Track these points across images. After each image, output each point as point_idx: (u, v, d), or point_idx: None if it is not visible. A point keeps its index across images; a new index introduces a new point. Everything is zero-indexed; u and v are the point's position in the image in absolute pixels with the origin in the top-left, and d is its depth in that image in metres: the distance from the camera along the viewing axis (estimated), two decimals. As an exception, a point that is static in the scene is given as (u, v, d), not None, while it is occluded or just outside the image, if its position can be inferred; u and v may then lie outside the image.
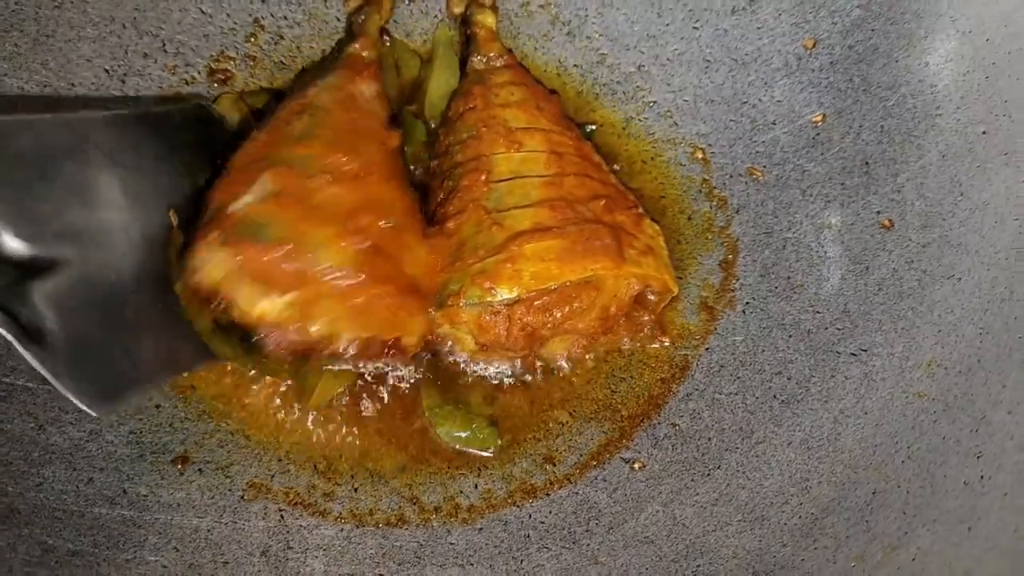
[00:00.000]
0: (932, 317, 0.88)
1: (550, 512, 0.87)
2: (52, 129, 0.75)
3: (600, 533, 0.85)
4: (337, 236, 0.77)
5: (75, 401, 0.71)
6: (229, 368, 0.87)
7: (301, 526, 0.83)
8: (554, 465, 0.89)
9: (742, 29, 0.99)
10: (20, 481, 0.78)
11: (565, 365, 0.92)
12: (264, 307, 0.78)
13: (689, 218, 0.99)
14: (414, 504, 0.86)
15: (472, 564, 0.83)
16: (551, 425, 0.91)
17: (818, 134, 0.97)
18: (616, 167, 1.00)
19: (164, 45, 0.95)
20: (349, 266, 0.77)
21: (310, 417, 0.88)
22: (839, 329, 0.91)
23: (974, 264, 0.88)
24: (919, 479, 0.82)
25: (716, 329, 0.95)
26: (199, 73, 0.97)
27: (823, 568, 0.80)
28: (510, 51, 1.00)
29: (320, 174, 0.80)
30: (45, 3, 0.89)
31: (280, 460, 0.86)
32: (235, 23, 0.98)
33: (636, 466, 0.89)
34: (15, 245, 0.69)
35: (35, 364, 0.69)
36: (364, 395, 0.89)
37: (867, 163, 0.94)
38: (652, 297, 0.91)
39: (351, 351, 0.83)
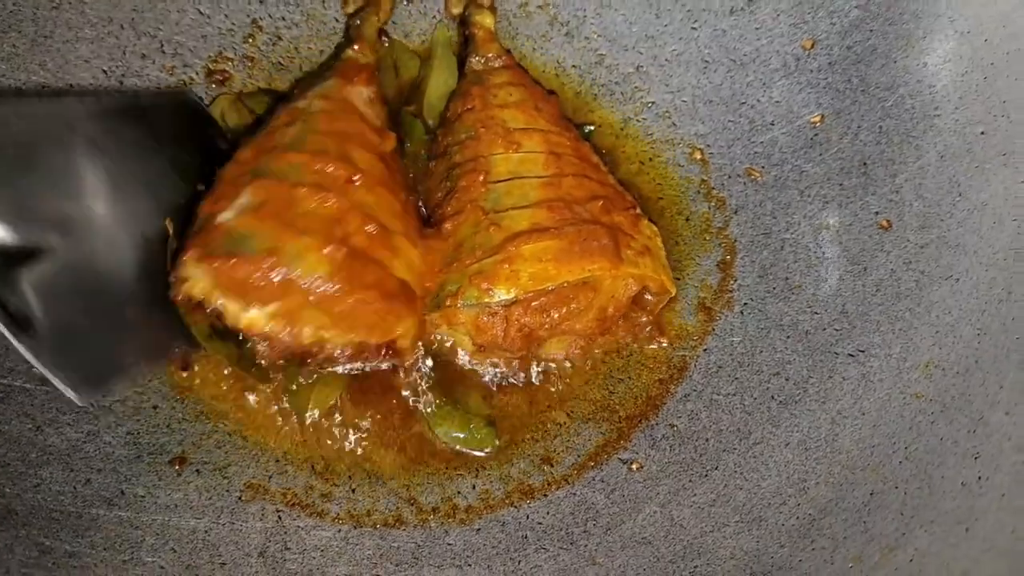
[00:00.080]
0: (930, 318, 0.88)
1: (548, 513, 0.86)
2: (38, 117, 0.75)
3: (598, 534, 0.85)
4: (318, 245, 0.77)
5: (61, 388, 0.72)
6: (226, 370, 0.87)
7: (299, 527, 0.83)
8: (552, 466, 0.89)
9: (740, 30, 0.99)
10: (17, 482, 0.78)
11: (563, 366, 0.92)
12: (251, 317, 0.79)
13: (687, 219, 0.99)
14: (412, 505, 0.86)
15: (470, 565, 0.83)
16: (549, 426, 0.91)
17: (816, 135, 0.97)
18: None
19: (162, 46, 0.95)
20: (330, 274, 0.77)
21: (308, 418, 0.88)
22: (837, 330, 0.91)
23: (972, 265, 0.87)
24: (917, 480, 0.82)
25: (714, 330, 0.94)
26: (197, 74, 0.97)
27: (820, 569, 0.80)
28: (508, 52, 1.00)
29: (305, 183, 0.80)
30: (43, 4, 0.89)
31: (278, 461, 0.86)
32: (233, 24, 0.97)
33: (634, 467, 0.89)
34: (2, 232, 0.70)
35: (22, 351, 0.69)
36: (362, 396, 0.89)
37: (865, 164, 0.94)
38: (650, 298, 0.91)
39: (345, 354, 0.83)
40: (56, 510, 0.79)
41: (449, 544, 0.84)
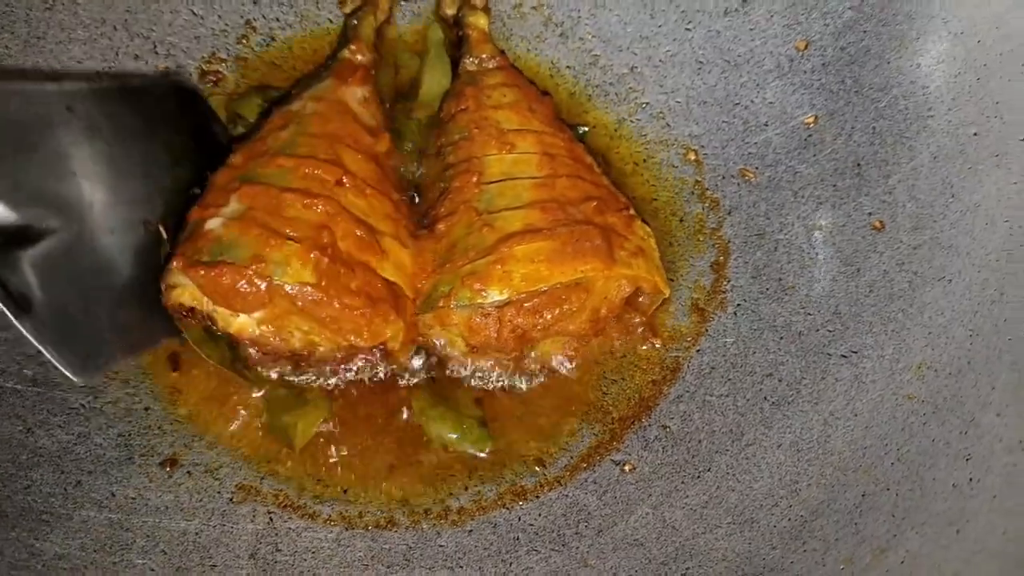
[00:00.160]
0: (922, 319, 0.88)
1: (540, 514, 0.86)
2: (37, 98, 0.76)
3: (590, 536, 0.85)
4: (304, 251, 0.77)
5: (59, 367, 0.72)
6: (217, 374, 0.87)
7: (290, 529, 0.83)
8: (544, 467, 0.89)
9: (734, 31, 0.99)
10: (7, 484, 0.78)
11: (556, 367, 0.92)
12: (240, 324, 0.80)
13: (681, 220, 0.99)
14: (403, 506, 0.86)
15: (461, 567, 0.83)
16: (541, 427, 0.90)
17: (810, 135, 0.97)
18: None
19: (155, 47, 0.95)
20: (314, 281, 0.77)
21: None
22: (830, 331, 0.91)
23: (965, 266, 0.87)
24: (908, 481, 0.82)
25: (707, 331, 0.94)
26: (190, 75, 0.97)
27: (812, 571, 0.80)
28: (503, 52, 1.00)
29: (293, 188, 0.80)
30: (36, 5, 0.89)
31: (269, 462, 0.86)
32: (226, 25, 0.98)
33: (626, 468, 0.88)
34: (2, 212, 0.70)
35: (22, 330, 0.70)
36: (354, 398, 0.89)
37: (859, 165, 0.94)
38: (643, 299, 0.91)
39: (337, 357, 0.84)
40: (46, 512, 0.78)
41: (441, 546, 0.84)
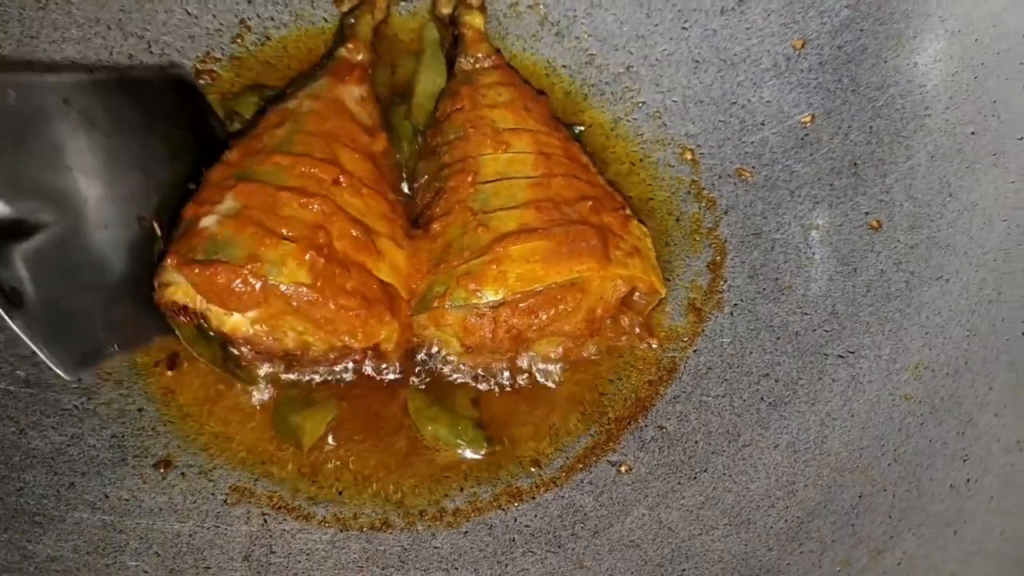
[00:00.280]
0: (920, 319, 0.88)
1: (535, 516, 0.86)
2: (33, 90, 0.75)
3: (585, 537, 0.84)
4: (300, 251, 0.76)
5: (50, 364, 0.72)
6: (211, 374, 0.87)
7: (284, 530, 0.83)
8: (540, 468, 0.88)
9: (731, 29, 0.99)
10: (0, 486, 0.78)
11: (551, 367, 0.91)
12: (234, 323, 0.79)
13: (677, 219, 0.99)
14: (399, 508, 0.86)
15: (457, 568, 0.83)
16: (537, 428, 0.90)
17: (807, 135, 0.96)
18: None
19: (150, 47, 0.95)
20: (310, 281, 0.76)
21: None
22: (827, 331, 0.91)
23: (962, 265, 0.87)
24: (905, 482, 0.81)
25: (704, 331, 0.94)
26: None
27: (809, 572, 0.80)
28: (498, 51, 0.99)
29: (289, 186, 0.80)
30: (29, 4, 0.89)
31: (264, 464, 0.86)
32: (221, 24, 0.97)
33: (622, 469, 0.88)
34: None
35: (13, 326, 0.69)
36: (350, 399, 0.88)
37: (855, 164, 0.94)
38: (639, 299, 0.90)
39: (330, 357, 0.83)
40: (39, 514, 0.78)
41: (436, 548, 0.84)
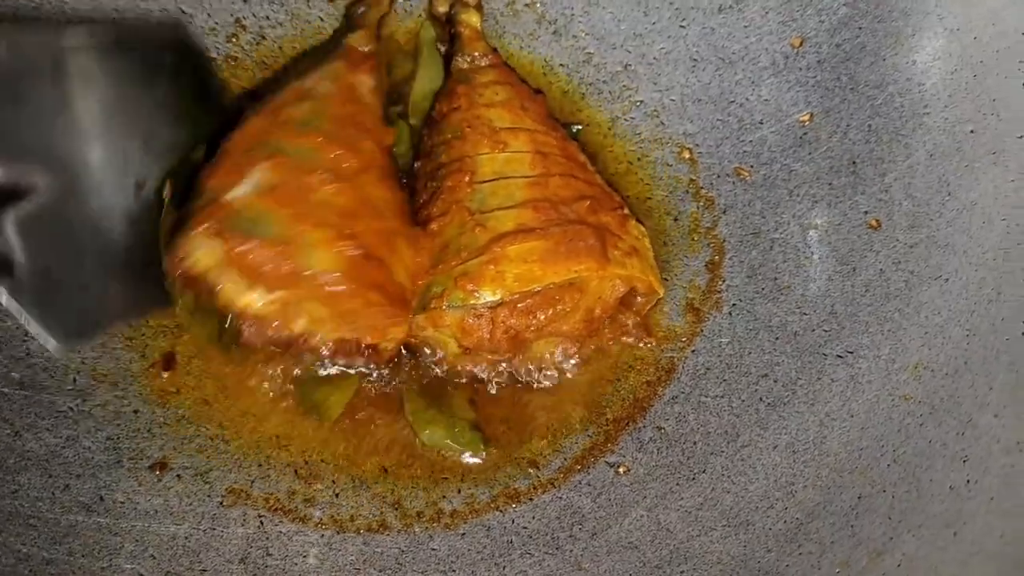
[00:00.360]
0: (919, 319, 0.87)
1: (533, 517, 0.86)
2: (27, 45, 0.71)
3: (584, 539, 0.84)
4: (332, 239, 0.75)
5: (40, 337, 0.69)
6: (207, 376, 0.86)
7: (281, 532, 0.83)
8: (538, 469, 0.88)
9: (729, 28, 0.98)
10: (-6, 488, 0.78)
11: (549, 368, 0.91)
12: (249, 299, 0.77)
13: (675, 219, 0.98)
14: (396, 509, 0.85)
15: (454, 570, 0.83)
16: (535, 429, 0.90)
17: (805, 133, 0.96)
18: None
19: (144, 46, 0.94)
20: (341, 272, 0.75)
21: (292, 422, 0.87)
22: (826, 331, 0.90)
23: (961, 265, 0.87)
24: (905, 483, 0.81)
25: (702, 331, 0.94)
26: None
27: (808, 574, 0.80)
28: (495, 50, 0.99)
29: (319, 170, 0.78)
30: (22, 6, 0.88)
31: (260, 465, 0.85)
32: (216, 23, 0.97)
33: (621, 470, 0.88)
34: None
35: (2, 296, 0.66)
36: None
37: (854, 163, 0.94)
38: (638, 299, 0.90)
39: (328, 349, 0.82)
40: (34, 516, 0.78)
41: (433, 549, 0.84)
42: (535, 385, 0.91)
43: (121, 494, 0.81)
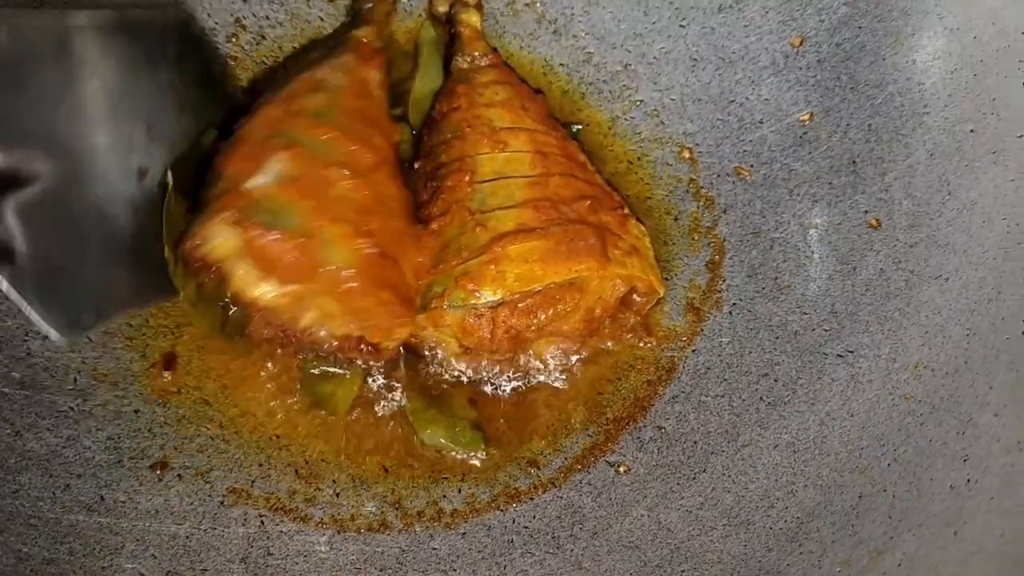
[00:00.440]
0: (919, 318, 0.87)
1: (534, 517, 0.86)
2: (28, 30, 0.69)
3: (584, 538, 0.84)
4: (350, 235, 0.75)
5: (41, 327, 0.68)
6: (207, 376, 0.86)
7: (282, 532, 0.83)
8: (538, 469, 0.88)
9: (729, 27, 0.98)
10: (-5, 488, 0.78)
11: (550, 367, 0.91)
12: (261, 290, 0.76)
13: (676, 218, 0.98)
14: (396, 509, 0.85)
15: (455, 570, 0.83)
16: (535, 428, 0.90)
17: (805, 133, 0.96)
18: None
19: (144, 45, 0.94)
20: (357, 269, 0.75)
21: (293, 422, 0.87)
22: (826, 330, 0.90)
23: (962, 264, 0.87)
24: (905, 482, 0.81)
25: (702, 330, 0.94)
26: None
27: (808, 573, 0.80)
28: (495, 50, 0.99)
29: (336, 164, 0.78)
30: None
31: (261, 465, 0.85)
32: (216, 23, 0.96)
33: (621, 469, 0.88)
34: None
35: (3, 284, 0.65)
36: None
37: (854, 162, 0.94)
38: (638, 299, 0.90)
39: (331, 345, 0.81)
40: (35, 516, 0.78)
41: (434, 549, 0.84)
42: (536, 385, 0.91)
43: (122, 494, 0.81)
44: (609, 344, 0.93)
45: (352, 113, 0.83)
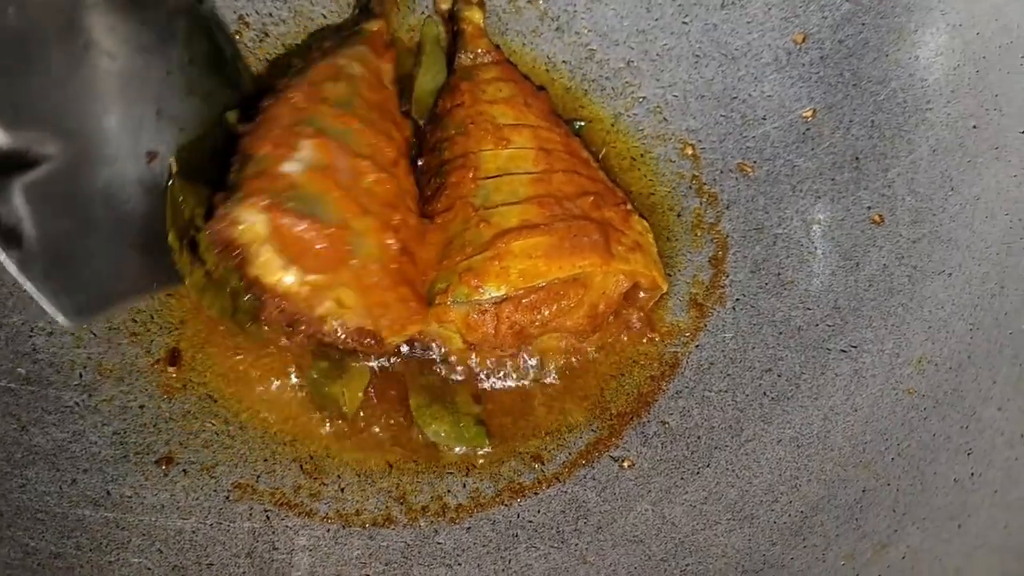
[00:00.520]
0: (922, 313, 0.88)
1: (538, 511, 0.86)
2: (35, 7, 0.68)
3: (589, 532, 0.84)
4: (378, 229, 0.74)
5: (49, 311, 0.67)
6: (212, 371, 0.87)
7: (287, 527, 0.83)
8: (543, 464, 0.88)
9: (732, 24, 0.99)
10: (2, 483, 0.78)
11: (553, 363, 0.91)
12: (281, 277, 0.75)
13: (679, 215, 0.98)
14: (401, 504, 0.85)
15: (460, 564, 0.83)
16: (539, 423, 0.90)
17: (808, 129, 0.96)
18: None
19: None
20: (382, 263, 0.74)
21: (298, 418, 0.87)
22: (829, 325, 0.91)
23: (965, 259, 0.87)
24: (909, 476, 0.81)
25: (706, 326, 0.94)
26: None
27: (812, 567, 0.80)
28: (498, 47, 0.99)
29: (364, 156, 0.77)
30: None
31: (266, 460, 0.85)
32: (220, 20, 0.97)
33: (625, 464, 0.88)
34: None
35: (11, 268, 0.65)
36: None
37: (857, 158, 0.94)
38: (642, 294, 0.90)
39: (340, 335, 0.80)
40: (41, 511, 0.78)
41: (439, 543, 0.84)
42: (539, 380, 0.91)
43: (128, 488, 0.81)
44: (613, 340, 0.93)
45: (371, 104, 0.82)
